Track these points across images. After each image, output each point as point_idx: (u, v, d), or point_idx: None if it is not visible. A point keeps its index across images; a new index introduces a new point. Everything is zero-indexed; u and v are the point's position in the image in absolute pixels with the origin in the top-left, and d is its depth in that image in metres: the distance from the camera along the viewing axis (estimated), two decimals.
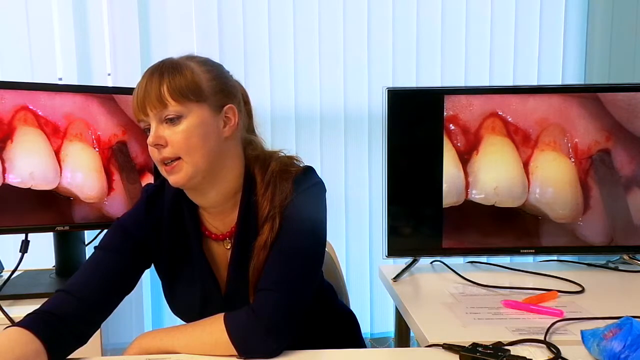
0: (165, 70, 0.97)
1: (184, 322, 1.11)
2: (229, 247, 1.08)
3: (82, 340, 0.97)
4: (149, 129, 0.99)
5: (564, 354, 0.94)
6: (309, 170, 1.07)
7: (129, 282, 1.05)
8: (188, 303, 1.09)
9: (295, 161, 1.08)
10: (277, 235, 1.00)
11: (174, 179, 0.99)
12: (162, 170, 1.00)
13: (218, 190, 1.04)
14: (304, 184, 1.04)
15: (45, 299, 0.98)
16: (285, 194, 1.01)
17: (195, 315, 1.04)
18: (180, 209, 1.08)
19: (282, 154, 1.10)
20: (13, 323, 1.16)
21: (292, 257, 0.99)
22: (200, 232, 1.08)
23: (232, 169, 1.04)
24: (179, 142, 0.96)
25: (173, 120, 0.96)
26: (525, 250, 1.49)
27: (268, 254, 1.00)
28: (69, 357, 0.95)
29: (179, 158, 0.97)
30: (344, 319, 1.27)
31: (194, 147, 0.97)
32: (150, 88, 0.96)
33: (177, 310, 1.12)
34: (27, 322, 0.91)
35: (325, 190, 1.08)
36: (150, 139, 0.97)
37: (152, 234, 1.07)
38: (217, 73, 1.03)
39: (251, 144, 1.09)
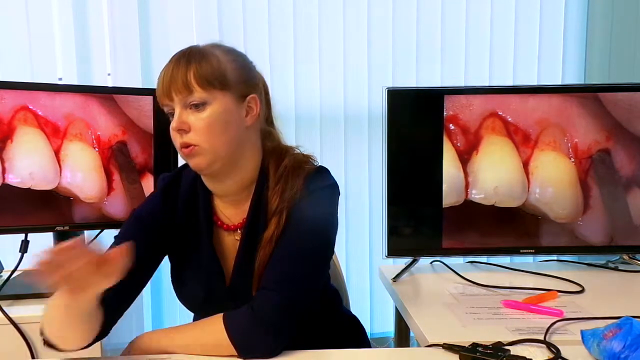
0: (193, 57, 0.99)
1: (188, 312, 1.13)
2: (238, 238, 1.08)
3: (102, 332, 0.98)
4: (172, 114, 1.00)
5: (563, 354, 0.94)
6: (324, 170, 1.08)
7: (145, 271, 1.06)
8: (193, 291, 1.09)
9: (310, 160, 1.09)
10: (284, 231, 1.00)
11: (194, 163, 1.00)
12: (182, 154, 1.01)
13: (234, 179, 1.05)
14: (318, 183, 1.04)
15: (45, 299, 0.98)
16: (295, 190, 1.02)
17: (198, 303, 1.06)
18: (195, 196, 1.09)
19: (298, 150, 1.11)
20: (13, 323, 1.16)
21: (296, 257, 0.99)
22: (212, 221, 1.09)
23: (250, 159, 1.05)
24: (202, 129, 0.97)
25: (197, 107, 0.98)
26: (525, 250, 1.49)
27: (273, 250, 1.00)
28: (70, 357, 0.95)
29: (197, 145, 0.98)
30: (350, 326, 1.26)
31: (216, 134, 0.98)
32: (177, 73, 0.97)
33: (182, 296, 1.12)
34: None
35: (339, 194, 1.08)
36: (173, 124, 0.98)
37: (167, 222, 1.08)
38: (241, 62, 1.04)
39: (269, 136, 1.10)
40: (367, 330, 1.31)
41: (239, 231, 1.08)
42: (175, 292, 1.13)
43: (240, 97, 1.02)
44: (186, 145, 0.98)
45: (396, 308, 1.44)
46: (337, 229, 1.07)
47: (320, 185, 1.04)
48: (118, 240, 1.06)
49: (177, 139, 1.00)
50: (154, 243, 1.07)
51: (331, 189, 1.06)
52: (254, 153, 1.07)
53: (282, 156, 1.07)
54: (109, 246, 1.04)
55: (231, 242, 1.09)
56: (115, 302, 0.99)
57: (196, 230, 1.08)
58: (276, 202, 1.02)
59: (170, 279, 1.14)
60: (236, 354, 0.93)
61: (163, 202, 1.09)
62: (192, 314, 1.17)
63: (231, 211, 1.09)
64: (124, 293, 1.01)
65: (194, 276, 1.09)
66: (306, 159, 1.08)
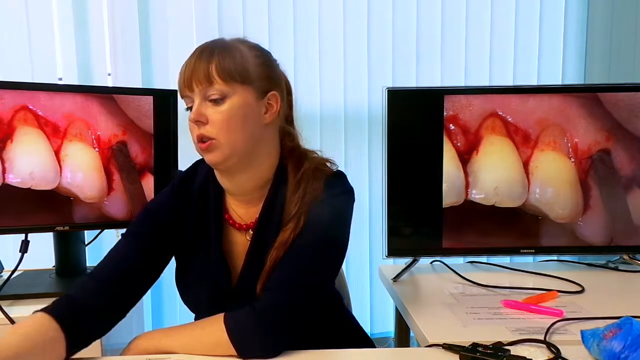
0: (216, 50, 0.99)
1: (189, 312, 1.12)
2: (249, 238, 1.07)
3: (104, 328, 0.99)
4: (191, 108, 1.00)
5: (564, 354, 0.94)
6: (342, 175, 1.08)
7: (152, 268, 1.06)
8: (197, 291, 1.08)
9: (328, 163, 1.09)
10: (299, 234, 1.00)
11: (209, 158, 1.00)
12: (198, 149, 1.01)
13: (249, 176, 1.04)
14: (337, 188, 1.04)
15: (45, 300, 0.98)
16: (315, 194, 1.02)
17: (202, 303, 1.05)
18: (207, 192, 1.08)
19: (317, 155, 1.10)
20: (13, 323, 1.16)
21: (306, 262, 0.99)
22: (223, 218, 1.08)
23: (267, 157, 1.05)
24: (220, 122, 0.97)
25: (217, 100, 0.98)
26: (525, 250, 1.49)
27: (287, 252, 0.99)
28: (71, 357, 0.95)
29: (214, 139, 0.98)
30: (353, 330, 1.26)
31: (233, 128, 0.98)
32: (199, 65, 0.98)
33: (185, 296, 1.11)
34: (52, 308, 0.93)
35: (354, 200, 1.07)
36: (192, 115, 0.99)
37: (177, 217, 1.08)
38: (265, 59, 1.05)
39: (289, 136, 1.10)
40: (367, 330, 1.31)
41: (250, 231, 1.07)
42: (179, 291, 1.12)
43: (261, 93, 1.02)
44: (202, 139, 0.98)
45: (396, 308, 1.44)
46: (349, 236, 1.06)
47: (338, 190, 1.04)
48: (128, 234, 1.06)
49: (194, 131, 1.00)
50: (161, 238, 1.06)
51: (348, 195, 1.06)
52: (272, 151, 1.06)
53: (301, 159, 1.07)
54: (118, 241, 1.06)
55: (242, 242, 1.08)
56: (118, 300, 1.00)
57: (206, 227, 1.08)
58: (296, 207, 1.01)
59: (171, 279, 1.14)
60: (236, 354, 0.93)
61: (174, 197, 1.09)
62: (192, 314, 1.17)
63: (243, 210, 1.08)
64: (128, 290, 1.02)
65: (200, 275, 1.08)
66: (324, 162, 1.09)
